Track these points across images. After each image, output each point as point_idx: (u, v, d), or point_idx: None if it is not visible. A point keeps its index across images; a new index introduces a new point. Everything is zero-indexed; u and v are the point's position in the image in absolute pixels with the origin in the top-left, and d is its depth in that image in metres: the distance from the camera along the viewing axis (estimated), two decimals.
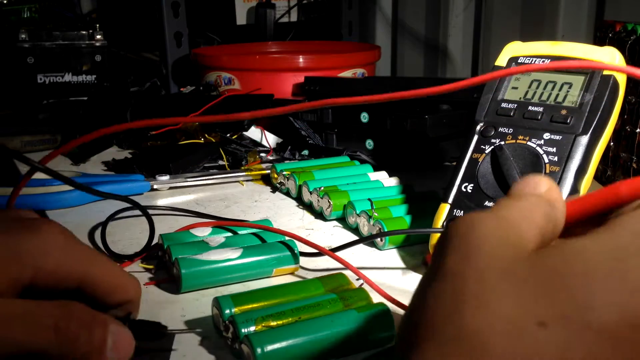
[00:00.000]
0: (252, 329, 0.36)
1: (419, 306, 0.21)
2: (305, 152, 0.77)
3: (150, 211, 0.54)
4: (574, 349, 0.18)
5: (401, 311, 0.40)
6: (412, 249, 0.52)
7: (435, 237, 0.47)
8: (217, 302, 0.39)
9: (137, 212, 0.57)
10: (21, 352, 0.27)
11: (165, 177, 0.67)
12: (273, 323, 0.36)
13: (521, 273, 0.20)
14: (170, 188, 0.68)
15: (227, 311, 0.38)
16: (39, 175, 0.66)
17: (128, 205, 0.54)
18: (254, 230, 0.51)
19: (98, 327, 0.29)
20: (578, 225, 0.25)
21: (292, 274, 0.48)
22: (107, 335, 0.29)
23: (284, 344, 0.34)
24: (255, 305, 0.39)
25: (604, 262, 0.20)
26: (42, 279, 0.30)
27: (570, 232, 0.24)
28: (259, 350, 0.34)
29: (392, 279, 0.47)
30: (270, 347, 0.34)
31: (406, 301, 0.42)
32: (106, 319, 0.30)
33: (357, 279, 0.44)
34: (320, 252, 0.48)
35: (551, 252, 0.21)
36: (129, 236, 0.55)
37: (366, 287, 0.42)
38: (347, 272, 0.44)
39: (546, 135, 0.46)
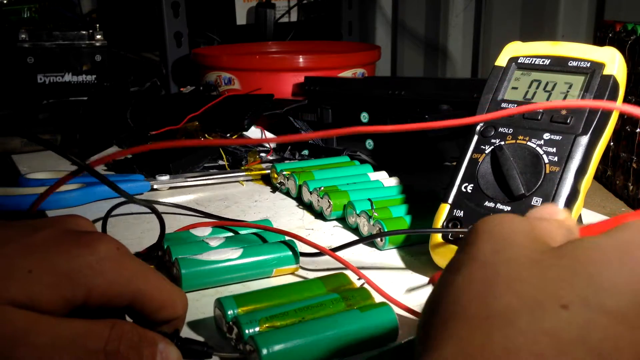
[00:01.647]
0: (257, 329, 0.36)
1: (448, 292, 0.23)
2: (305, 152, 0.77)
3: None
4: (593, 329, 0.20)
5: (402, 311, 0.40)
6: (412, 249, 0.52)
7: (435, 237, 0.47)
8: (220, 303, 0.39)
9: (137, 211, 0.57)
10: None
11: (165, 177, 0.67)
12: (277, 323, 0.36)
13: (546, 262, 0.23)
14: (170, 188, 0.68)
15: (230, 312, 0.38)
16: (39, 175, 0.67)
17: (122, 200, 0.54)
18: (254, 230, 0.51)
19: (147, 347, 0.29)
20: None
21: (292, 274, 0.48)
22: (156, 355, 0.29)
23: (289, 344, 0.34)
24: (258, 305, 0.39)
25: (618, 254, 0.23)
26: (95, 298, 0.29)
27: None
28: (264, 351, 0.34)
29: (392, 279, 0.47)
30: (275, 348, 0.34)
31: (406, 301, 0.42)
32: (155, 337, 0.29)
33: (358, 279, 0.44)
34: (320, 252, 0.48)
35: (572, 245, 0.24)
36: (128, 236, 0.55)
37: (367, 286, 0.42)
38: (347, 272, 0.44)
39: (546, 136, 0.46)
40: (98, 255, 0.29)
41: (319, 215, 0.60)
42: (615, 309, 0.21)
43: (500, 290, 0.22)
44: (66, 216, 0.32)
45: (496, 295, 0.22)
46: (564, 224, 0.27)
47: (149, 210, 0.52)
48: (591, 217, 0.60)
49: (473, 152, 0.48)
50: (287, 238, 0.48)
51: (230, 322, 0.37)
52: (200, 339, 0.39)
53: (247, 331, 0.36)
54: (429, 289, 0.45)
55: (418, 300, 0.44)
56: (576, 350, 0.20)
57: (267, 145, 0.80)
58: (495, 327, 0.21)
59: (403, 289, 0.45)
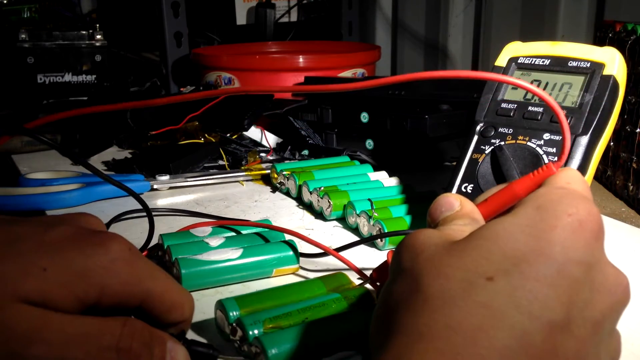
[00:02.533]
0: (261, 330, 0.36)
1: (386, 299, 0.27)
2: (305, 152, 0.77)
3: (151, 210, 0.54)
4: (519, 295, 0.23)
5: None
6: None
7: None
8: (222, 305, 0.39)
9: (137, 211, 0.57)
10: None
11: (165, 177, 0.67)
12: (281, 324, 0.36)
13: (461, 247, 0.25)
14: (170, 188, 0.68)
15: (233, 314, 0.38)
16: (39, 175, 0.67)
17: (132, 208, 0.54)
18: (254, 230, 0.51)
19: (158, 345, 0.29)
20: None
21: (292, 274, 0.48)
22: (165, 354, 0.29)
23: (294, 344, 0.34)
24: (260, 306, 0.39)
25: (520, 228, 0.25)
26: (107, 298, 0.29)
27: None
28: (273, 351, 0.34)
29: None
30: (281, 348, 0.34)
31: None
32: (164, 337, 0.30)
33: (359, 279, 0.44)
34: (320, 252, 0.48)
35: (479, 229, 0.26)
36: (128, 236, 0.55)
37: (368, 286, 0.42)
38: (346, 272, 0.44)
39: (546, 136, 0.46)
40: (111, 255, 0.29)
41: (319, 215, 0.60)
42: (534, 274, 0.24)
43: (430, 277, 0.25)
44: (78, 214, 0.33)
45: (426, 284, 0.24)
46: (465, 216, 0.29)
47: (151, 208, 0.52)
48: None
49: (473, 152, 0.48)
50: (287, 237, 0.48)
51: (234, 324, 0.37)
52: (204, 340, 0.39)
53: (251, 332, 0.35)
54: None
55: None
56: (510, 316, 0.22)
57: (267, 146, 0.80)
58: (434, 309, 0.23)
59: None
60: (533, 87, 0.32)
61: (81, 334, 0.27)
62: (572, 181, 0.29)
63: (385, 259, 0.42)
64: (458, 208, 0.30)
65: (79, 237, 0.29)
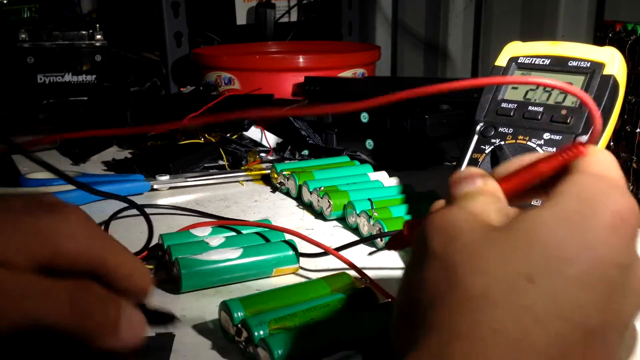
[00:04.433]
0: (266, 331, 0.36)
1: (415, 287, 0.25)
2: (305, 152, 0.77)
3: (151, 211, 0.54)
4: (561, 299, 0.22)
5: None
6: None
7: None
8: (226, 306, 0.38)
9: (138, 212, 0.57)
10: (37, 327, 0.27)
11: (165, 177, 0.67)
12: (287, 324, 0.36)
13: (500, 239, 0.24)
14: (170, 188, 0.68)
15: (238, 314, 0.38)
16: (39, 175, 0.67)
17: (127, 205, 0.54)
18: (254, 230, 0.51)
19: (113, 305, 0.29)
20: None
21: (292, 273, 0.48)
22: (121, 314, 0.29)
23: (300, 345, 0.34)
24: (264, 307, 0.38)
25: (561, 223, 0.24)
26: (60, 259, 0.29)
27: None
28: (280, 351, 0.34)
29: (392, 279, 0.47)
30: (287, 349, 0.34)
31: None
32: (120, 299, 0.30)
33: (361, 279, 0.44)
34: (320, 252, 0.48)
35: (517, 220, 0.25)
36: (128, 236, 0.55)
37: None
38: (347, 271, 0.44)
39: (546, 135, 0.46)
40: (67, 219, 0.30)
41: (319, 215, 0.60)
42: (575, 276, 0.22)
43: (469, 274, 0.23)
44: (43, 193, 0.34)
45: (465, 279, 0.23)
46: (489, 194, 0.27)
47: (149, 211, 0.52)
48: None
49: (473, 152, 0.48)
50: (287, 237, 0.48)
51: (239, 325, 0.37)
52: (206, 341, 0.39)
53: (257, 333, 0.35)
54: None
55: None
56: (552, 323, 0.22)
57: (267, 146, 0.80)
58: (477, 309, 0.22)
59: None
60: (559, 83, 0.29)
61: (35, 288, 0.28)
62: (609, 167, 0.26)
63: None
64: (481, 185, 0.28)
65: (37, 204, 0.30)
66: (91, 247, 0.30)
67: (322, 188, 0.59)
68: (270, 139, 0.81)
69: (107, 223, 0.53)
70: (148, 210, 0.56)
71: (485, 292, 0.22)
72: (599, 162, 0.26)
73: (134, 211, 0.56)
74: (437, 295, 0.23)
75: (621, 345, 0.24)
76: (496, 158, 0.47)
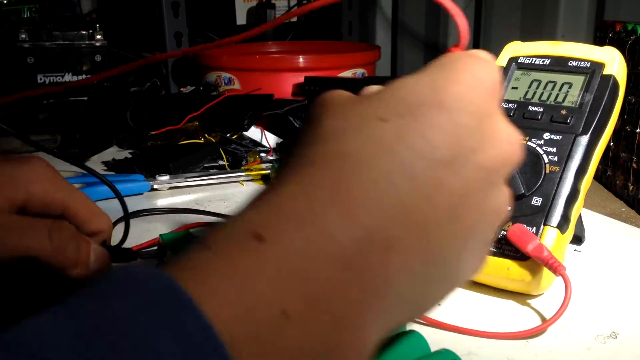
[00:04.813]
0: None
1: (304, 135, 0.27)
2: None
3: (151, 211, 0.54)
4: (409, 134, 0.24)
5: None
6: None
7: None
8: None
9: (140, 213, 0.57)
10: (20, 255, 0.32)
11: (165, 177, 0.67)
12: None
13: (366, 96, 0.26)
14: (170, 188, 0.68)
15: None
16: None
17: (133, 208, 0.54)
18: None
19: (83, 242, 0.35)
20: None
21: None
22: (90, 249, 0.35)
23: None
24: None
25: (420, 82, 0.26)
26: (33, 202, 0.35)
27: None
28: None
29: None
30: None
31: None
32: (88, 238, 0.36)
33: None
34: None
35: (388, 85, 0.27)
36: (128, 236, 0.55)
37: None
38: None
39: (546, 135, 0.46)
40: (34, 167, 0.36)
41: None
42: (426, 119, 0.25)
43: (329, 118, 0.25)
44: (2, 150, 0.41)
45: (326, 121, 0.25)
46: None
47: (149, 210, 0.52)
48: (591, 217, 0.60)
49: None
50: None
51: None
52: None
53: None
54: None
55: None
56: (397, 150, 0.24)
57: (267, 146, 0.80)
58: (327, 140, 0.24)
59: None
60: None
61: (17, 223, 0.33)
62: (477, 51, 0.29)
63: None
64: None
65: (8, 157, 0.37)
66: (57, 192, 0.36)
67: None
68: (270, 139, 0.81)
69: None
70: (148, 210, 0.56)
71: (337, 128, 0.25)
72: (471, 51, 0.29)
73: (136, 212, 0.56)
74: (302, 138, 0.25)
75: (484, 189, 0.25)
76: None
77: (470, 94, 0.26)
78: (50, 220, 0.34)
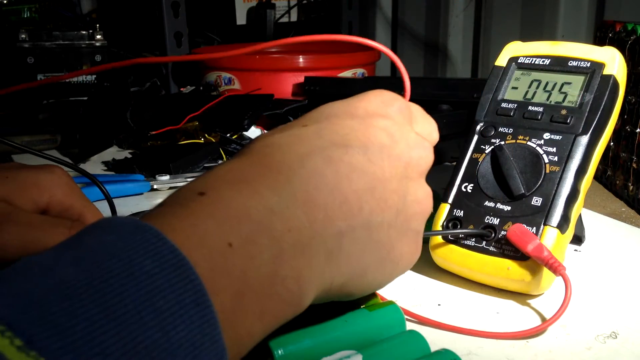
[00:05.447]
0: None
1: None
2: None
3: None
4: (324, 130, 0.30)
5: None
6: None
7: (435, 238, 0.47)
8: None
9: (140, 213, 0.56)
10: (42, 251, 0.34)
11: (165, 177, 0.67)
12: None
13: (303, 119, 0.32)
14: (170, 188, 0.68)
15: None
16: None
17: (133, 208, 0.54)
18: None
19: None
20: None
21: None
22: None
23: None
24: None
25: (341, 104, 0.33)
26: (54, 205, 0.38)
27: None
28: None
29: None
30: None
31: (408, 301, 0.42)
32: None
33: None
34: None
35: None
36: None
37: None
38: None
39: (546, 135, 0.46)
40: (55, 174, 0.39)
41: None
42: (339, 122, 0.31)
43: (265, 132, 0.33)
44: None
45: (263, 133, 0.32)
46: None
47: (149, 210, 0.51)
48: (591, 217, 0.60)
49: (473, 152, 0.48)
50: None
51: None
52: None
53: None
54: (430, 290, 0.45)
55: (419, 300, 0.44)
56: (312, 139, 0.29)
57: None
58: (257, 140, 0.30)
59: (404, 289, 0.45)
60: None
61: (41, 220, 0.35)
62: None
63: None
64: None
65: (27, 165, 0.40)
66: (75, 198, 0.39)
67: None
68: None
69: None
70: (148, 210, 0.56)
71: (269, 133, 0.31)
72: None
73: (134, 211, 0.56)
74: (245, 145, 0.31)
75: (407, 182, 0.32)
76: (496, 158, 0.47)
77: (380, 109, 0.33)
78: (71, 220, 0.36)
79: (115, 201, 0.57)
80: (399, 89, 0.81)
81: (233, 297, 0.23)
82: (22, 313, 0.18)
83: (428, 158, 0.34)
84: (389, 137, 0.32)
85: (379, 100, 0.33)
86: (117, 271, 0.20)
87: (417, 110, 0.37)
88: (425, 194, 0.34)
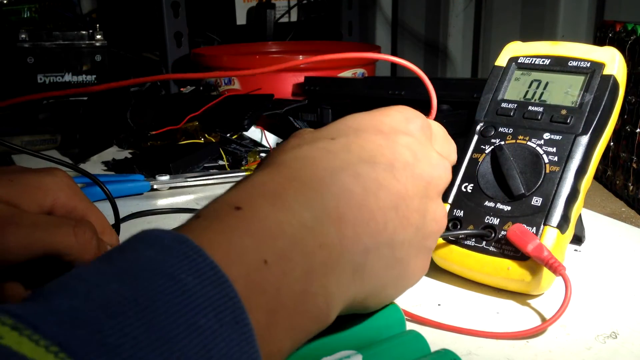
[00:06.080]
0: None
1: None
2: None
3: (151, 211, 0.54)
4: (352, 145, 0.31)
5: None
6: None
7: None
8: None
9: (142, 214, 0.57)
10: (47, 250, 0.34)
11: (165, 177, 0.67)
12: None
13: (318, 129, 0.34)
14: (170, 188, 0.68)
15: None
16: None
17: (133, 208, 0.54)
18: None
19: (102, 241, 0.38)
20: None
21: None
22: (107, 248, 0.38)
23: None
24: None
25: (365, 115, 0.34)
26: (58, 207, 0.39)
27: None
28: None
29: None
30: None
31: (408, 301, 0.42)
32: (103, 240, 0.39)
33: None
34: None
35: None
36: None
37: None
38: None
39: (546, 135, 0.46)
40: (58, 177, 0.40)
41: None
42: (366, 136, 0.32)
43: (291, 139, 0.33)
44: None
45: (290, 140, 0.33)
46: None
47: (150, 210, 0.52)
48: (591, 217, 0.60)
49: (473, 152, 0.48)
50: None
51: None
52: None
53: None
54: (430, 290, 0.45)
55: (419, 300, 0.44)
56: (341, 155, 0.30)
57: (267, 146, 0.80)
58: (285, 151, 0.31)
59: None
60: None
61: (45, 221, 0.36)
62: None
63: None
64: None
65: (30, 169, 0.40)
66: (78, 200, 0.40)
67: None
68: (270, 139, 0.81)
69: (116, 226, 0.53)
70: (148, 210, 0.56)
71: (297, 144, 0.31)
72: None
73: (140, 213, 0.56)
74: (271, 154, 0.32)
75: (427, 201, 0.32)
76: (496, 158, 0.47)
77: (402, 126, 0.33)
78: (75, 220, 0.36)
79: (116, 202, 0.57)
80: (399, 88, 0.81)
81: (267, 314, 0.24)
82: (71, 332, 0.18)
83: (447, 178, 0.34)
84: (412, 155, 0.32)
85: (402, 116, 0.34)
86: (160, 289, 0.20)
87: (438, 129, 0.37)
88: (442, 213, 0.34)
